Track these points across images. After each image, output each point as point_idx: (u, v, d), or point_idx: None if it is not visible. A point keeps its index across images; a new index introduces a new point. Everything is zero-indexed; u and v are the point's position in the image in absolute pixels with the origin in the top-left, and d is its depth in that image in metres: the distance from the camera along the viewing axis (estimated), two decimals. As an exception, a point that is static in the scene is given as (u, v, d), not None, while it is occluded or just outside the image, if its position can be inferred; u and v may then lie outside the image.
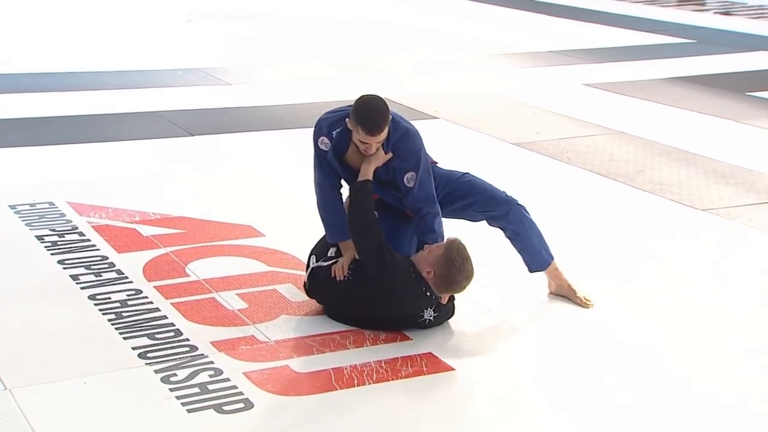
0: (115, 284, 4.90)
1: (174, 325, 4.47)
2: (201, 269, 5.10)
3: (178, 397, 3.86)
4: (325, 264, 4.58)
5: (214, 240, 5.51)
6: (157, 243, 5.44)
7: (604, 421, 3.85)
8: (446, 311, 4.51)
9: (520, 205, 4.79)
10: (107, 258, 5.22)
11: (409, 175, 4.50)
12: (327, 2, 16.15)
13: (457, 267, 4.33)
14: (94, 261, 5.18)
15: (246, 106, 8.85)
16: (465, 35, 13.32)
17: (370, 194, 4.44)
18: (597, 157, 7.42)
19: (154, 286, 4.88)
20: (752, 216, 6.18)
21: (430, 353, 4.30)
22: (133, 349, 4.24)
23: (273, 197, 6.36)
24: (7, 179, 6.57)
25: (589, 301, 4.81)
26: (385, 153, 4.45)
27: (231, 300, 4.76)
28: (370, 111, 4.32)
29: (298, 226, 5.48)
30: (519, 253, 4.86)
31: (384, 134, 4.36)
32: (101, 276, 4.99)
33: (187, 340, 4.34)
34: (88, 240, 5.46)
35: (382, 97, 4.41)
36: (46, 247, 5.36)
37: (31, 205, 5.99)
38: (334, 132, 4.47)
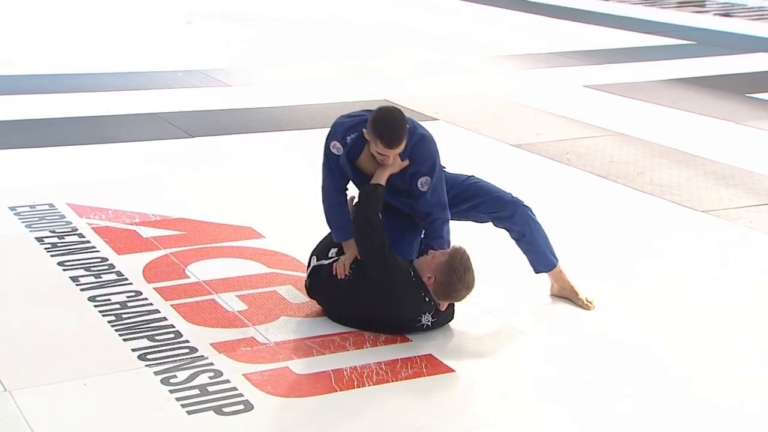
0: (114, 286, 4.89)
1: (174, 327, 4.47)
2: (201, 271, 5.10)
3: (177, 399, 3.86)
4: (327, 262, 4.58)
5: (214, 241, 5.51)
6: (157, 244, 5.44)
7: (605, 422, 3.85)
8: (445, 317, 4.51)
9: (526, 206, 4.80)
10: (107, 259, 5.22)
11: (423, 179, 4.51)
12: (327, 3, 16.15)
13: (458, 276, 4.33)
14: (93, 263, 5.18)
15: (246, 107, 8.85)
16: (465, 36, 13.32)
17: (380, 198, 4.45)
18: (597, 158, 7.42)
19: (154, 288, 4.88)
20: (752, 217, 6.18)
21: (430, 355, 4.30)
22: (133, 350, 4.24)
23: (273, 199, 6.36)
24: (7, 180, 6.57)
25: (590, 302, 4.81)
26: (402, 160, 4.46)
27: (231, 301, 4.75)
28: (390, 125, 4.34)
29: (298, 228, 5.48)
30: (524, 253, 4.86)
31: (402, 146, 4.38)
32: (101, 278, 4.99)
33: (187, 341, 4.34)
34: (88, 242, 5.46)
35: (398, 107, 4.44)
36: (45, 248, 5.36)
37: (31, 206, 5.99)
38: (348, 137, 4.49)
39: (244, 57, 11.53)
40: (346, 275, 4.47)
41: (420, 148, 4.49)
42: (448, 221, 4.60)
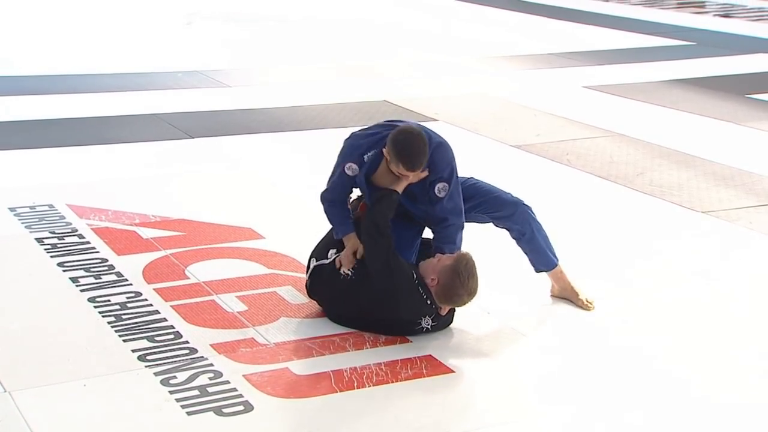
0: (114, 287, 4.89)
1: (174, 328, 4.47)
2: (201, 271, 5.10)
3: (177, 400, 3.86)
4: (327, 262, 4.58)
5: (214, 242, 5.51)
6: (157, 245, 5.44)
7: (605, 422, 3.85)
8: (444, 321, 4.51)
9: (526, 205, 4.81)
10: (107, 260, 5.22)
11: (440, 185, 4.52)
12: (326, 4, 16.16)
13: (461, 280, 4.33)
14: (93, 263, 5.18)
15: (246, 108, 8.86)
16: (464, 37, 13.33)
17: (393, 204, 4.45)
18: (597, 159, 7.42)
19: (154, 289, 4.88)
20: (752, 218, 6.18)
21: (430, 356, 4.30)
22: (133, 351, 4.24)
23: (273, 199, 6.36)
24: (6, 181, 6.57)
25: (591, 303, 4.82)
26: (421, 171, 4.47)
27: (231, 302, 4.75)
28: (412, 150, 4.35)
29: (298, 229, 5.48)
30: (525, 253, 4.87)
31: (423, 167, 4.41)
32: (101, 278, 4.99)
33: (187, 342, 4.34)
34: (88, 242, 5.46)
35: (418, 127, 4.45)
36: (45, 249, 5.36)
37: (31, 207, 5.99)
38: (366, 155, 4.49)
39: (244, 58, 11.53)
40: (348, 271, 4.46)
41: (438, 156, 4.50)
42: (462, 228, 4.63)
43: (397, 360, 4.24)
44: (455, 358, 4.29)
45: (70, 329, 4.45)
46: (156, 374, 4.05)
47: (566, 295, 4.87)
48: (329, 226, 4.69)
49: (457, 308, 4.52)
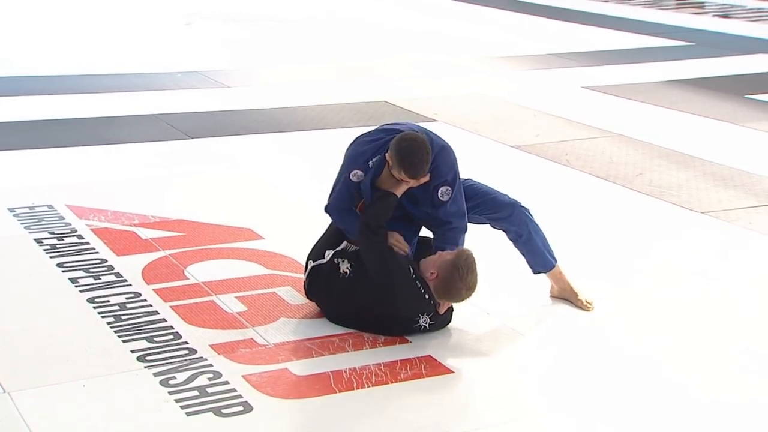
0: (114, 287, 4.89)
1: (173, 328, 4.47)
2: (200, 272, 5.10)
3: (177, 401, 3.86)
4: (325, 261, 4.58)
5: (214, 243, 5.51)
6: (156, 246, 5.44)
7: (604, 423, 3.85)
8: (443, 320, 4.51)
9: (523, 207, 4.81)
10: (106, 261, 5.22)
11: (444, 189, 4.52)
12: (326, 5, 16.16)
13: (460, 274, 4.34)
14: (93, 264, 5.18)
15: (245, 108, 8.86)
16: (464, 38, 13.32)
17: (390, 207, 4.46)
18: (596, 159, 7.42)
19: (153, 289, 4.88)
20: (751, 218, 6.18)
21: (430, 356, 4.30)
22: (132, 352, 4.24)
23: (272, 200, 6.36)
24: (6, 182, 6.57)
25: (590, 304, 4.82)
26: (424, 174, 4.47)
27: (230, 303, 4.76)
28: (415, 157, 4.35)
29: (297, 229, 5.48)
30: (522, 255, 4.86)
31: (426, 173, 4.41)
32: (100, 279, 4.99)
33: (186, 343, 4.34)
34: (87, 243, 5.46)
35: (420, 133, 4.43)
36: (44, 250, 5.36)
37: (30, 208, 5.99)
38: (370, 162, 4.49)
39: (244, 58, 11.53)
40: (347, 269, 4.46)
41: (440, 160, 4.51)
42: (465, 230, 4.64)
43: (397, 360, 4.24)
44: (454, 359, 4.29)
45: (70, 330, 4.45)
46: (155, 375, 4.05)
47: (566, 295, 4.87)
48: (328, 227, 4.70)
49: (455, 305, 4.52)
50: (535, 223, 4.82)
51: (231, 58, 11.51)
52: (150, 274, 5.06)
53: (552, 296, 4.92)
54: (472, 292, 4.40)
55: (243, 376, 4.06)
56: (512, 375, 4.21)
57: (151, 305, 4.70)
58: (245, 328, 4.50)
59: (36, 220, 5.79)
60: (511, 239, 4.85)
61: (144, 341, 4.33)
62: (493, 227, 4.86)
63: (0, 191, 6.31)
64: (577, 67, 11.27)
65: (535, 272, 4.89)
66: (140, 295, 4.82)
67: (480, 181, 4.88)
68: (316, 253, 4.68)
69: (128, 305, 4.69)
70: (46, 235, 5.56)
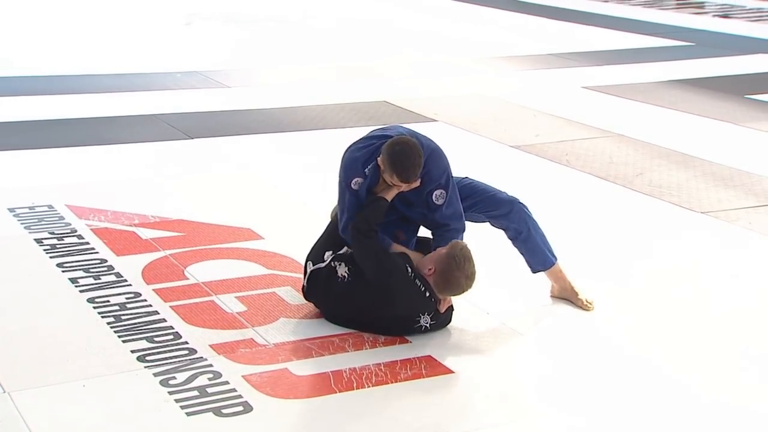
0: (113, 287, 4.89)
1: (173, 328, 4.47)
2: (200, 272, 5.10)
3: (177, 401, 3.86)
4: (323, 265, 4.58)
5: (213, 243, 5.51)
6: (156, 246, 5.44)
7: (604, 423, 3.85)
8: (443, 320, 4.52)
9: (522, 204, 4.80)
10: (106, 261, 5.22)
11: (438, 192, 4.52)
12: (326, 5, 16.16)
13: (457, 263, 4.34)
14: (92, 264, 5.18)
15: (245, 108, 8.86)
16: (464, 38, 13.33)
17: (380, 211, 4.46)
18: (596, 159, 7.42)
19: (153, 289, 4.88)
20: (751, 219, 6.18)
21: (430, 356, 4.30)
22: (132, 352, 4.24)
23: (272, 200, 6.36)
24: (6, 182, 6.57)
25: (590, 303, 4.81)
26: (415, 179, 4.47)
27: (230, 303, 4.76)
28: (406, 161, 4.34)
29: (297, 229, 5.48)
30: (521, 254, 4.86)
31: (418, 178, 4.40)
32: (100, 279, 4.99)
33: (186, 343, 4.34)
34: (87, 243, 5.46)
35: (411, 138, 4.42)
36: (44, 250, 5.36)
37: (30, 208, 5.99)
38: (366, 168, 4.48)
39: (244, 58, 11.53)
40: (345, 273, 4.45)
41: (432, 164, 4.49)
42: (463, 231, 4.63)
43: (397, 360, 4.24)
44: (454, 359, 4.29)
45: (70, 330, 4.45)
46: (155, 375, 4.05)
47: (566, 295, 4.87)
48: (327, 227, 4.70)
49: (455, 304, 4.51)
50: (534, 220, 4.82)
51: (231, 58, 11.51)
52: (150, 274, 5.06)
53: (552, 296, 4.92)
54: (472, 281, 4.40)
55: (243, 376, 4.06)
56: (512, 375, 4.22)
57: (151, 305, 4.70)
58: (245, 328, 4.50)
59: (36, 220, 5.79)
60: (510, 237, 4.85)
61: (144, 341, 4.33)
62: (493, 225, 4.85)
63: (0, 191, 6.31)
64: (577, 67, 11.27)
65: (534, 271, 4.88)
66: (140, 295, 4.82)
67: (477, 180, 4.87)
68: (315, 254, 4.68)
69: (128, 305, 4.69)
70: (46, 235, 5.56)
